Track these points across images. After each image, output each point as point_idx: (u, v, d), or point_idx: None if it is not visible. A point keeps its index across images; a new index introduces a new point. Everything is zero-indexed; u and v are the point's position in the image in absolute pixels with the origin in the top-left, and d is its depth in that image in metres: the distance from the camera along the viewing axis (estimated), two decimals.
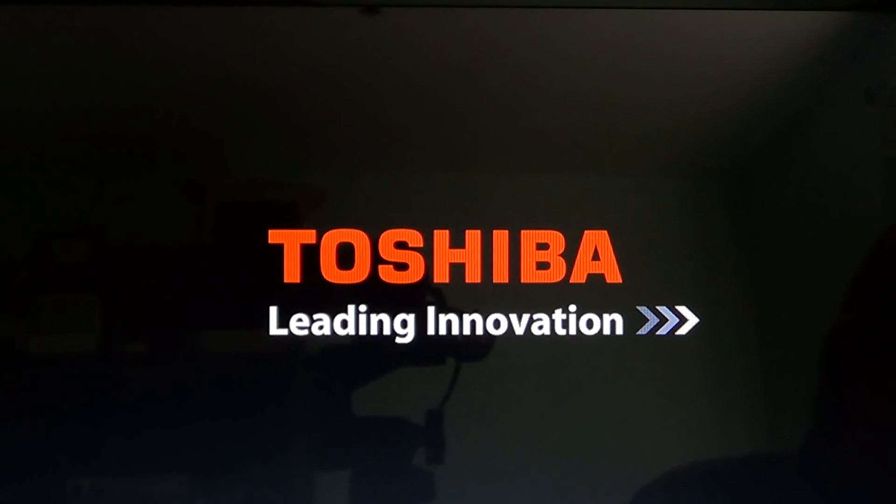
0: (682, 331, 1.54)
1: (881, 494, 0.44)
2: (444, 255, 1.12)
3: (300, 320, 0.92)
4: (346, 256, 0.86)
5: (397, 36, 1.11)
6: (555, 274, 1.52)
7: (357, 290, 0.87)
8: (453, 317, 0.85)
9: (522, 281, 1.52)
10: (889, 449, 0.43)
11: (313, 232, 1.15)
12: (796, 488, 0.47)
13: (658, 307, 1.53)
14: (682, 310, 1.55)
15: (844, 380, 0.47)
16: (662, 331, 1.53)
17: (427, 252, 0.87)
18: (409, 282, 0.86)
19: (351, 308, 0.88)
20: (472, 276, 1.49)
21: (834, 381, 0.48)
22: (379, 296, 0.85)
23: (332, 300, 0.89)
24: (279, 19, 1.06)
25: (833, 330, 0.48)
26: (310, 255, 0.91)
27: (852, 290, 0.50)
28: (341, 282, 0.89)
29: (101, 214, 1.37)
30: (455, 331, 0.88)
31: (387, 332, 0.86)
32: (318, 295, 0.90)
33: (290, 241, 1.08)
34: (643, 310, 1.52)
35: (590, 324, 1.55)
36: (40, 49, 1.12)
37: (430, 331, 0.87)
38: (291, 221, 1.14)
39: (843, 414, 0.47)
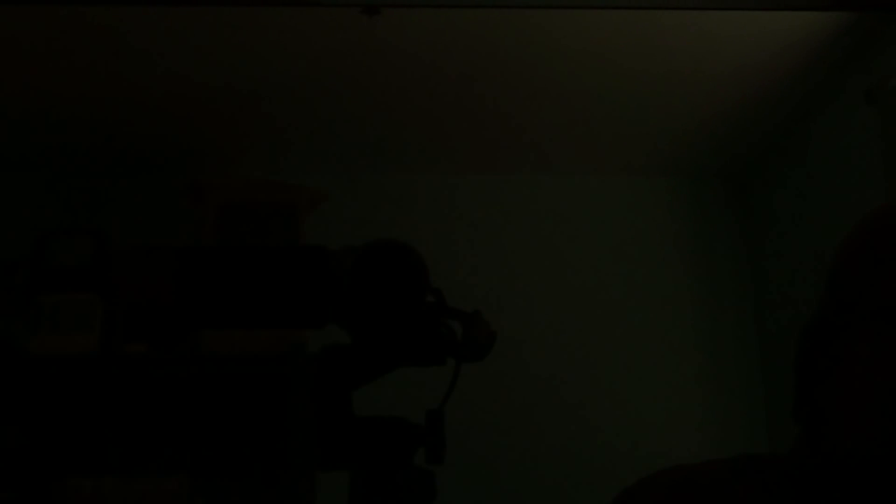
0: (682, 330, 1.54)
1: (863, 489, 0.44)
2: (445, 254, 1.12)
3: (300, 320, 0.92)
4: (346, 257, 0.86)
5: (397, 36, 1.11)
6: (555, 274, 1.52)
7: (357, 290, 0.87)
8: (453, 317, 0.86)
9: (523, 281, 1.52)
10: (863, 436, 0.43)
11: (314, 233, 1.16)
12: (782, 491, 0.47)
13: (656, 307, 1.54)
14: (681, 309, 1.55)
15: (811, 377, 0.47)
16: (663, 331, 1.53)
17: (428, 252, 0.87)
18: (409, 283, 0.86)
19: (351, 309, 0.88)
20: (473, 276, 1.50)
21: (803, 379, 0.48)
22: (379, 297, 0.85)
23: (332, 300, 0.89)
24: (280, 19, 1.06)
25: (802, 329, 0.49)
26: (310, 255, 0.91)
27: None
28: (341, 281, 0.89)
29: (101, 214, 1.37)
30: (455, 331, 0.88)
31: (386, 332, 0.86)
32: (319, 295, 0.90)
33: (291, 241, 1.08)
34: (641, 310, 1.53)
35: (590, 324, 1.55)
36: (41, 50, 1.12)
37: (431, 330, 0.87)
38: (292, 221, 1.14)
39: (816, 409, 0.47)
